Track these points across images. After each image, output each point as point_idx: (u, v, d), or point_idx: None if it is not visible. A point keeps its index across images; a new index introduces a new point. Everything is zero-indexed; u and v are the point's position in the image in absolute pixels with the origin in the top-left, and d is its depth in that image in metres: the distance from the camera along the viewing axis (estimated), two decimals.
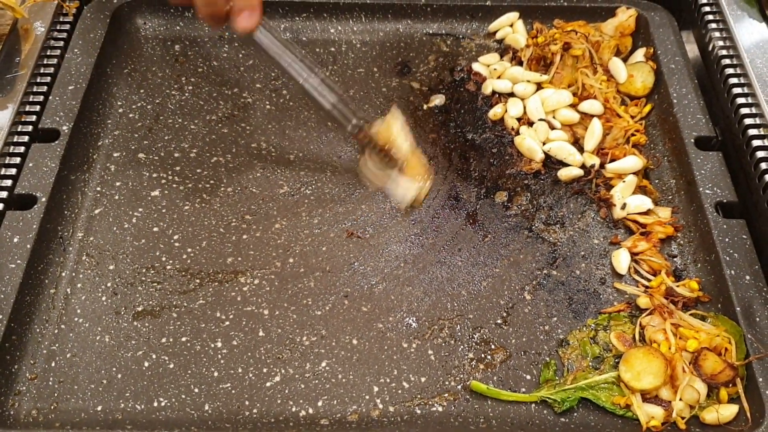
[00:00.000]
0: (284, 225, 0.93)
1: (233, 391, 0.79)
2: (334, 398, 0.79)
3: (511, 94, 1.06)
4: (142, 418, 0.77)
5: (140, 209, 0.93)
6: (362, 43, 1.13)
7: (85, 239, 0.90)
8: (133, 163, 0.98)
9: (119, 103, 1.04)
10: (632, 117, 1.02)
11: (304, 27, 1.14)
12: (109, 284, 0.87)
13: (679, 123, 0.98)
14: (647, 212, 0.93)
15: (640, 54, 1.08)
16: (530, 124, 1.02)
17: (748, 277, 0.84)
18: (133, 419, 0.77)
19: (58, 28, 1.07)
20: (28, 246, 0.85)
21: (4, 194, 0.89)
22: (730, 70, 1.01)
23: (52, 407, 0.77)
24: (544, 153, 0.99)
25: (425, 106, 1.06)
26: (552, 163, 1.00)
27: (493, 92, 1.07)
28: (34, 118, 0.97)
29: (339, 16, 1.14)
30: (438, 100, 1.06)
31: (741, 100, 0.97)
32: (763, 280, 0.83)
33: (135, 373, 0.80)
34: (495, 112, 1.04)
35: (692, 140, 0.96)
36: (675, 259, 0.90)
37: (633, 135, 1.00)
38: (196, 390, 0.79)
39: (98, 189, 0.95)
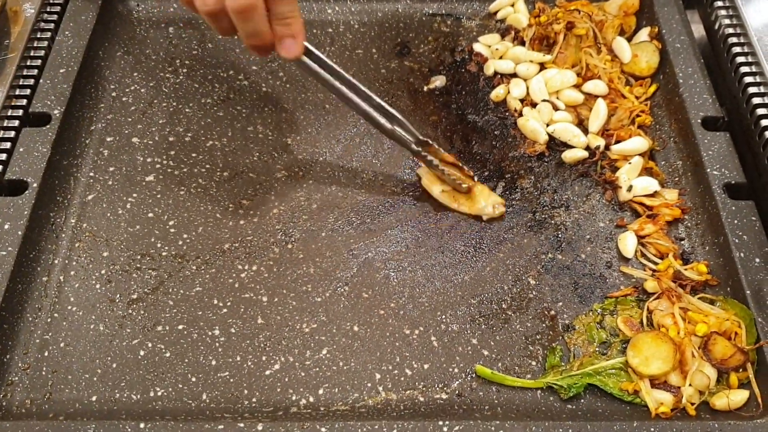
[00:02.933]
0: (282, 210, 0.91)
1: (232, 380, 0.77)
2: (335, 386, 0.77)
3: (514, 75, 1.03)
4: (138, 408, 0.75)
5: (134, 195, 0.91)
6: (360, 23, 1.10)
7: (78, 226, 0.88)
8: (126, 148, 0.95)
9: (112, 86, 1.02)
10: (637, 97, 1.00)
11: (301, 7, 1.10)
12: (103, 271, 0.84)
13: (685, 103, 0.96)
14: (653, 194, 0.91)
15: (644, 33, 1.05)
16: (533, 105, 1.00)
17: (757, 260, 0.82)
18: (129, 409, 0.75)
19: (48, 9, 1.04)
20: (20, 233, 0.83)
21: None
22: (737, 49, 0.99)
23: (46, 397, 0.76)
24: (548, 135, 0.97)
25: (425, 88, 1.04)
26: (556, 144, 0.97)
27: (495, 73, 1.04)
28: (24, 101, 0.94)
29: None
30: (439, 81, 1.04)
31: (749, 79, 0.95)
32: None
33: (130, 362, 0.78)
34: (497, 93, 1.02)
35: (699, 121, 0.94)
36: (682, 241, 0.88)
37: (638, 116, 0.98)
38: (194, 379, 0.77)
39: (91, 174, 0.93)
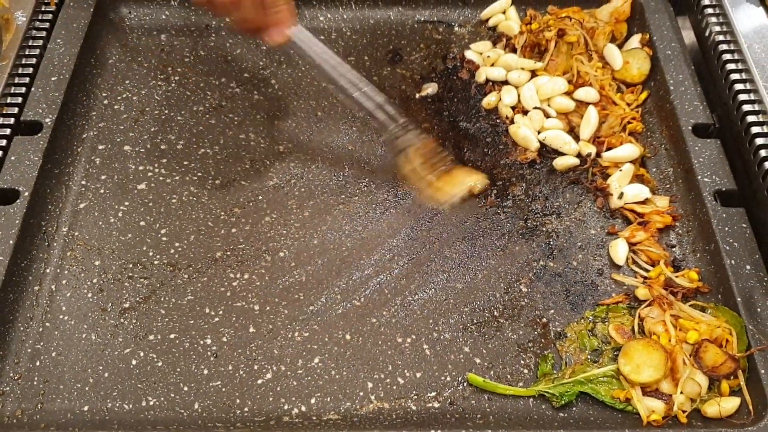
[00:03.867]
0: (274, 218, 0.91)
1: (224, 389, 0.77)
2: (327, 395, 0.77)
3: (505, 82, 1.04)
4: (130, 418, 0.75)
5: (126, 203, 0.91)
6: (352, 31, 1.11)
7: (70, 234, 0.88)
8: (118, 156, 0.95)
9: (104, 94, 1.02)
10: (628, 104, 1.00)
11: None
12: (95, 280, 0.84)
13: (676, 110, 0.96)
14: (645, 201, 0.92)
15: (635, 40, 1.06)
16: (525, 112, 1.00)
17: (748, 267, 0.82)
18: (121, 419, 0.75)
19: (40, 17, 1.04)
20: (11, 242, 0.82)
21: None
22: (728, 56, 0.99)
23: (37, 408, 0.75)
24: (540, 142, 0.97)
25: (417, 95, 1.04)
26: (547, 152, 0.98)
27: (487, 80, 1.04)
28: (16, 110, 0.94)
29: (328, 4, 1.12)
30: (430, 88, 1.04)
31: (739, 86, 0.95)
32: (764, 270, 0.82)
33: (122, 372, 0.78)
34: (489, 100, 1.02)
35: (690, 127, 0.94)
36: (674, 249, 0.88)
37: (629, 123, 0.98)
38: (186, 388, 0.77)
39: (83, 183, 0.93)
